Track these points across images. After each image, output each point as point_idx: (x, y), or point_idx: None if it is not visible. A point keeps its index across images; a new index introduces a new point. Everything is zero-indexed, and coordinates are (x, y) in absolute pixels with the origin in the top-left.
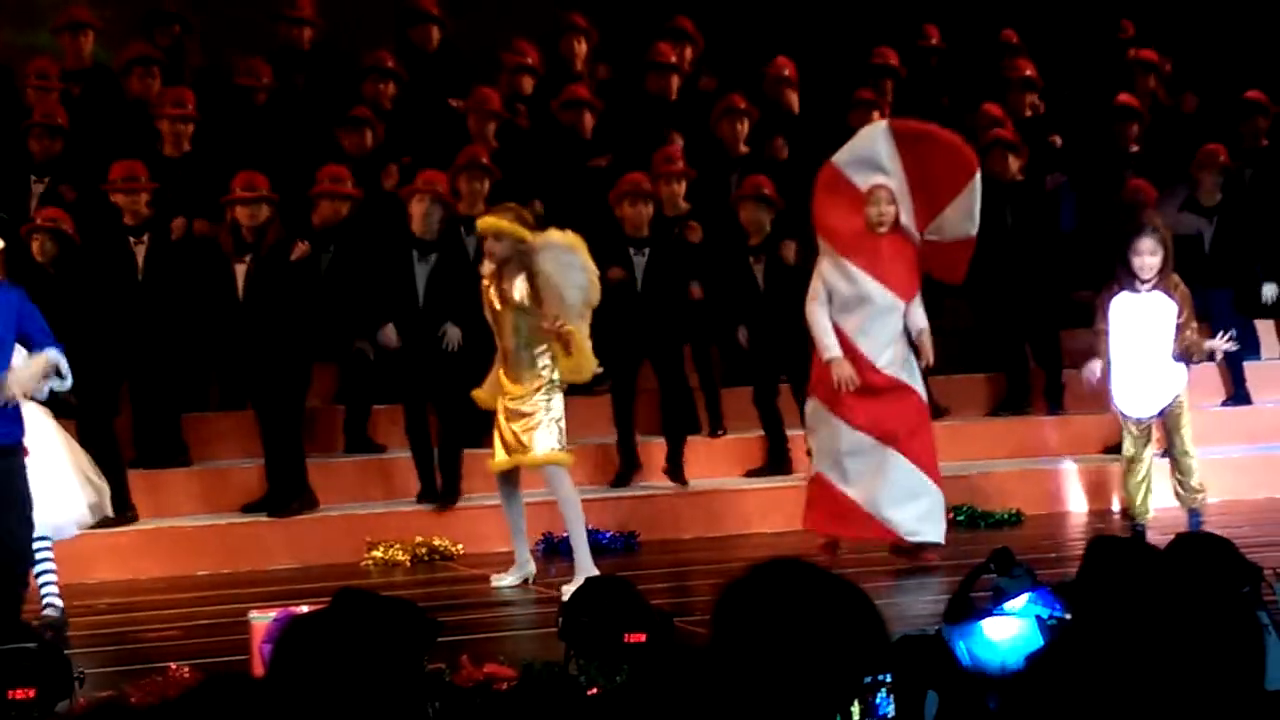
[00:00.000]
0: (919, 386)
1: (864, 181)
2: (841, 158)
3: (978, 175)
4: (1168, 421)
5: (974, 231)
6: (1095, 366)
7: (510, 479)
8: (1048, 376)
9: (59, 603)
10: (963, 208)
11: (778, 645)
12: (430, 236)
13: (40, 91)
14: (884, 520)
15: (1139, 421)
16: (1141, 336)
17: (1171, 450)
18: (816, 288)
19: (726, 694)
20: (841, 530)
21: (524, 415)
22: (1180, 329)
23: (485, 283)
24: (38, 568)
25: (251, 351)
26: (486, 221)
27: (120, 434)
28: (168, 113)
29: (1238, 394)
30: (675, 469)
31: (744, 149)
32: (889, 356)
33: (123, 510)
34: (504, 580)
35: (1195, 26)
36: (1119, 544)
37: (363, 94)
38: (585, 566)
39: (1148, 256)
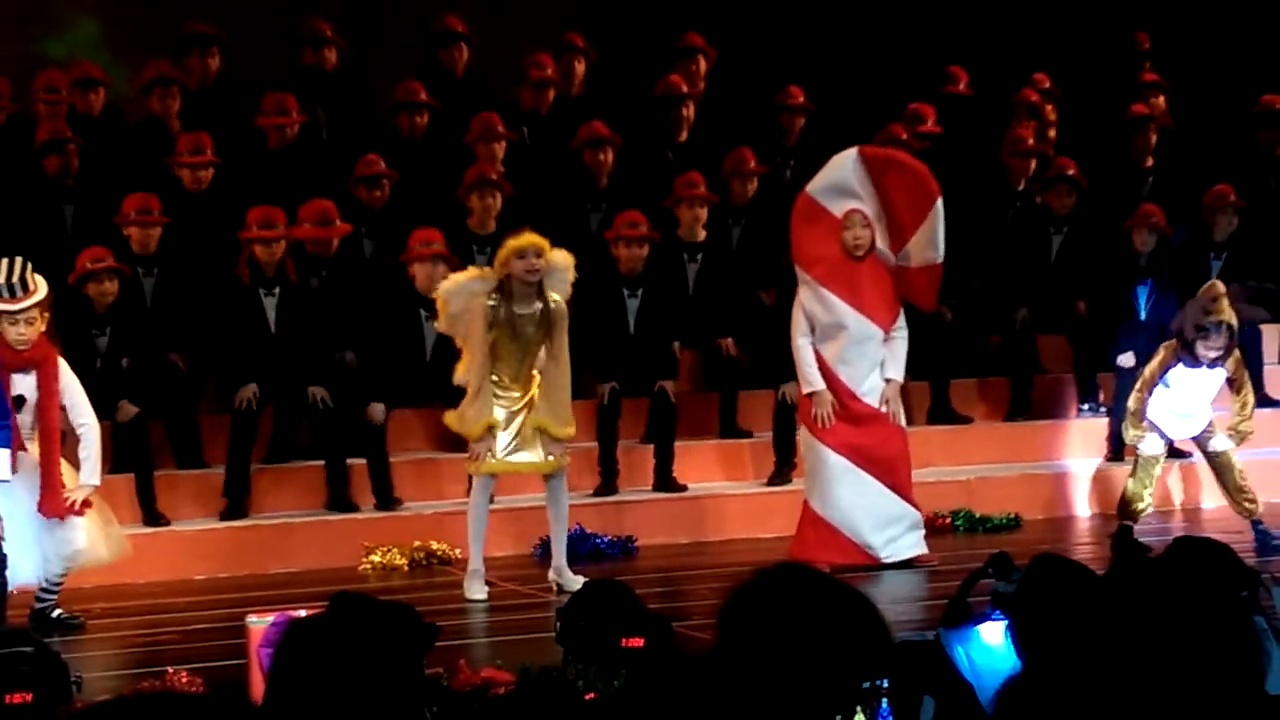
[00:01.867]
0: (900, 418)
1: (838, 208)
2: (815, 186)
3: (939, 202)
4: (1202, 436)
5: (938, 259)
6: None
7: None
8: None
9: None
10: (926, 235)
11: (782, 649)
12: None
13: (50, 106)
14: (865, 545)
15: (1168, 441)
16: (1188, 403)
17: (1226, 485)
18: (798, 319)
19: (730, 698)
20: (827, 557)
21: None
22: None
23: (491, 302)
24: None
25: (286, 382)
26: (541, 241)
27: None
28: (186, 161)
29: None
30: (664, 480)
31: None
32: (870, 384)
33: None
34: (481, 592)
35: (1207, 39)
36: (1061, 564)
37: (398, 127)
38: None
39: (1214, 351)
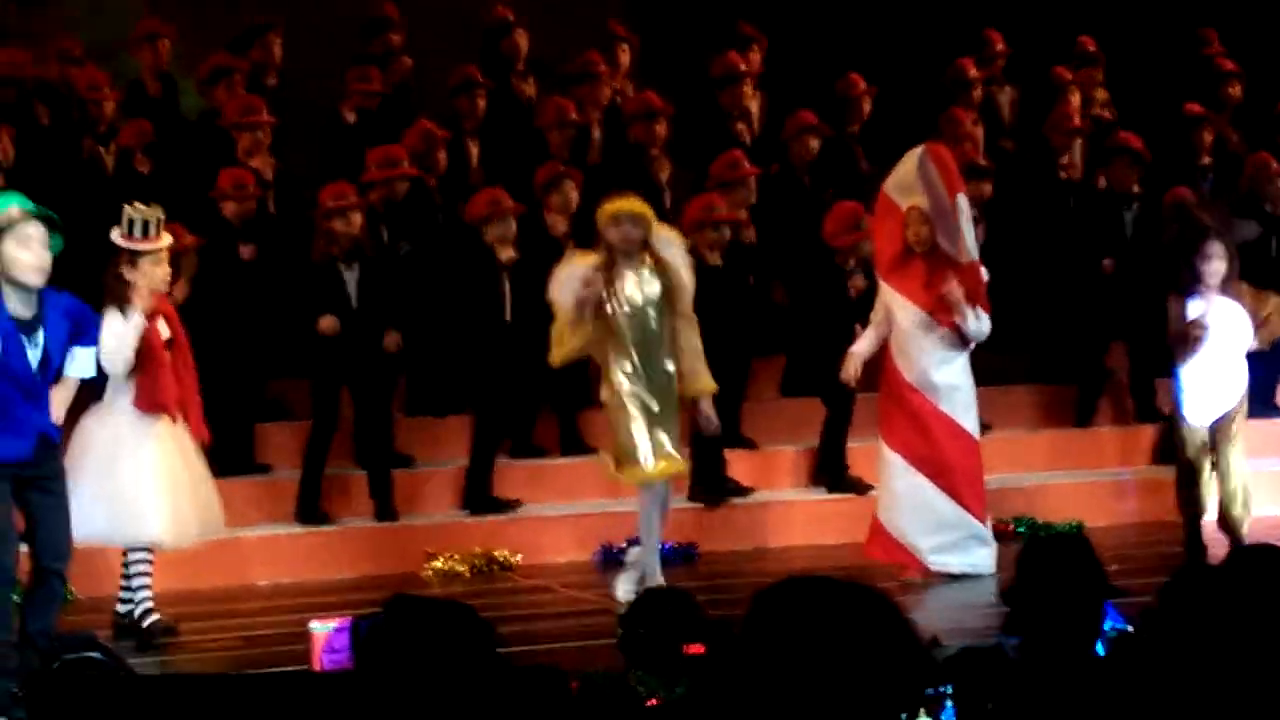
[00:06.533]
0: (964, 420)
1: (904, 203)
2: (889, 182)
3: (960, 197)
4: (1219, 434)
5: (973, 256)
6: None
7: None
8: (1136, 388)
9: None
10: (962, 231)
11: (800, 658)
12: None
13: (96, 105)
14: (912, 548)
15: (1194, 429)
16: (1217, 341)
17: (1219, 466)
18: (875, 307)
19: (764, 708)
20: (880, 555)
21: (675, 423)
22: (1263, 323)
23: (599, 274)
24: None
25: (361, 357)
26: (637, 205)
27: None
28: (245, 120)
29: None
30: (717, 485)
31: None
32: (924, 380)
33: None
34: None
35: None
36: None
37: (459, 109)
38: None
39: (1216, 261)
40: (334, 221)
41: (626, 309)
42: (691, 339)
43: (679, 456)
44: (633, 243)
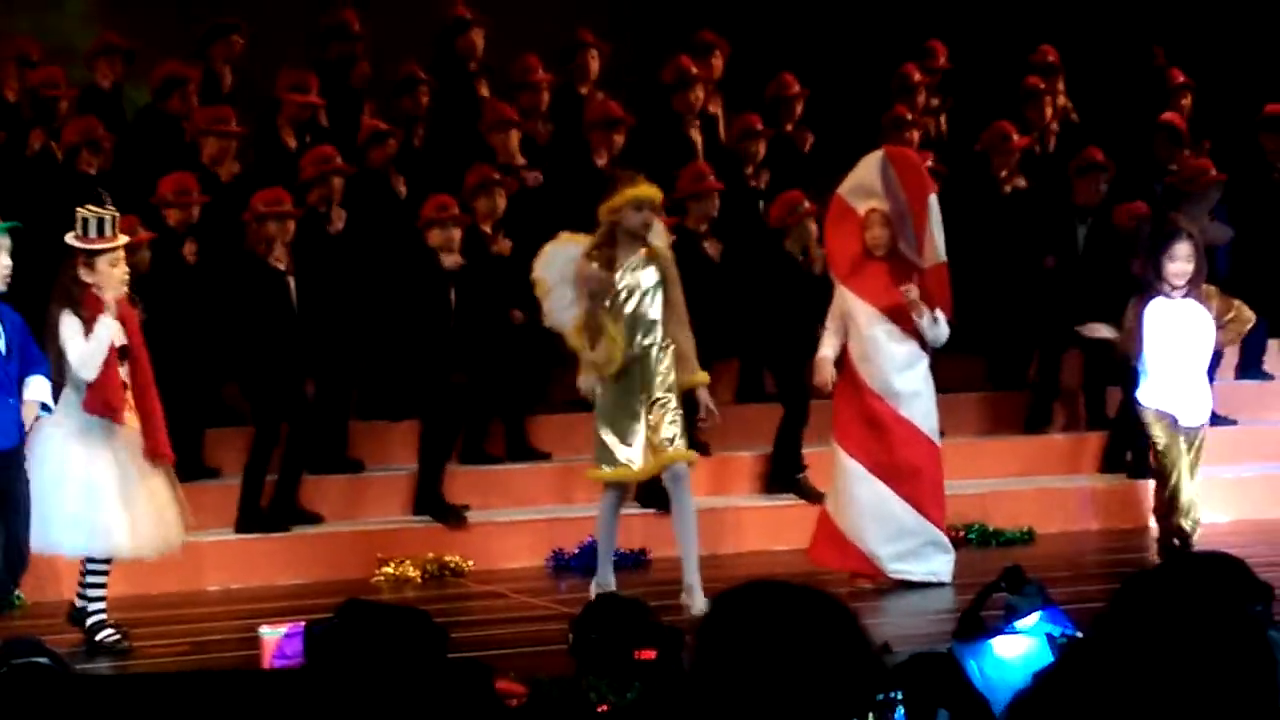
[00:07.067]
0: (925, 426)
1: (862, 207)
2: (845, 186)
3: (932, 198)
4: (1184, 443)
5: (940, 259)
6: (1101, 329)
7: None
8: (1089, 395)
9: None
10: (931, 233)
11: (757, 665)
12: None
13: (52, 101)
14: (871, 555)
15: (1186, 431)
16: (1180, 344)
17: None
18: (830, 312)
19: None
20: (833, 562)
21: (670, 410)
22: (1224, 326)
23: (597, 265)
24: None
25: (302, 362)
26: (656, 191)
27: None
28: (215, 129)
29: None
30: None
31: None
32: (886, 385)
33: None
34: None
35: (1222, 49)
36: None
37: (402, 108)
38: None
39: (1183, 262)
40: (268, 225)
41: (624, 294)
42: (685, 330)
43: (665, 452)
44: (648, 229)
